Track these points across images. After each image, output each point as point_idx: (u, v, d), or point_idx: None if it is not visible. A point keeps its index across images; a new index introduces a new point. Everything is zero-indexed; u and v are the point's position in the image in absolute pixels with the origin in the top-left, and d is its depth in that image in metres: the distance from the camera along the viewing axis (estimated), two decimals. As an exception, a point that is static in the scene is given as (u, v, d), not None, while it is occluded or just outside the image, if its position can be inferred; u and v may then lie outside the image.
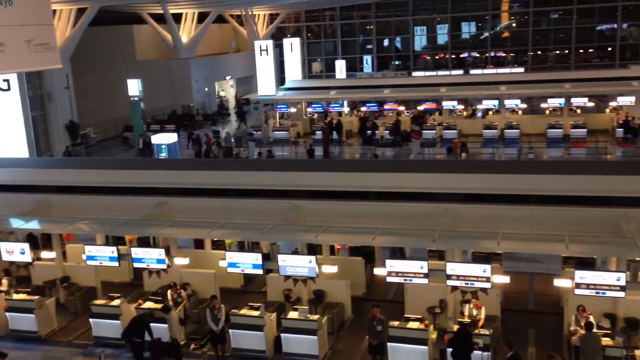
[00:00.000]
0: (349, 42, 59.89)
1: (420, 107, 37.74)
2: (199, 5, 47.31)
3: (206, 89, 49.77)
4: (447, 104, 36.45)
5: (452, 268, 12.53)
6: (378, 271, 13.86)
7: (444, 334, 12.83)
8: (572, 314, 12.74)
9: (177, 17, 47.48)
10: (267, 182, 15.51)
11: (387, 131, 34.65)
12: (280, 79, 44.48)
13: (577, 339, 11.84)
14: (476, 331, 12.37)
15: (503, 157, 29.77)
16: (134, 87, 36.53)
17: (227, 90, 55.07)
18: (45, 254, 15.88)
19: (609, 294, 11.73)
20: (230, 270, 13.94)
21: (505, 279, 13.07)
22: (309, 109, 40.12)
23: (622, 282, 11.56)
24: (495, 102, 35.50)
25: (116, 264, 14.75)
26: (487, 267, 12.43)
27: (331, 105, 38.69)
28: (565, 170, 15.27)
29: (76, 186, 16.69)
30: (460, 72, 53.03)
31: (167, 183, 16.13)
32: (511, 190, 13.91)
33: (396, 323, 12.94)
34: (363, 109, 39.22)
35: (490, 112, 37.28)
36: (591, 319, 12.16)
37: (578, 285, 11.81)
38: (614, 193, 13.31)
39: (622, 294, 11.70)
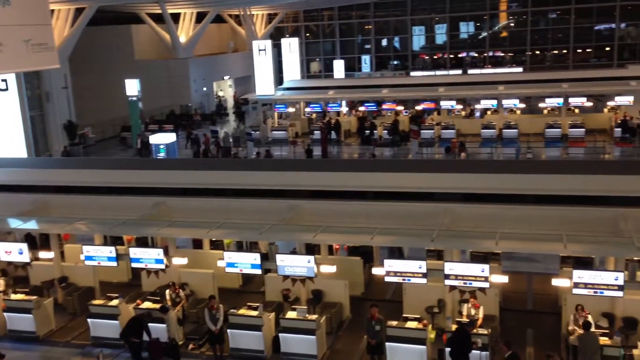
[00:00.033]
0: (347, 42, 59.91)
1: (419, 107, 37.74)
2: (197, 5, 47.29)
3: (204, 89, 49.75)
4: (445, 104, 36.47)
5: (450, 268, 12.54)
6: (376, 271, 13.85)
7: (442, 333, 12.84)
8: (570, 313, 12.76)
9: (176, 17, 47.45)
10: (265, 182, 15.51)
11: (386, 131, 34.65)
12: (279, 78, 44.49)
13: (575, 338, 11.85)
14: (474, 331, 12.39)
15: (501, 156, 29.78)
16: (132, 87, 36.51)
17: (226, 90, 55.05)
18: (43, 254, 15.87)
19: (607, 293, 11.75)
20: (228, 270, 13.94)
21: (503, 279, 13.08)
22: (308, 109, 40.11)
23: (620, 282, 11.57)
24: (494, 102, 35.56)
25: (114, 264, 14.74)
26: (486, 266, 12.44)
27: (329, 105, 38.70)
28: (564, 170, 15.30)
29: (74, 186, 16.68)
30: (459, 71, 53.04)
31: (166, 183, 16.12)
32: (509, 190, 13.93)
33: (395, 323, 12.94)
34: (361, 108, 39.23)
35: (489, 112, 37.29)
36: (589, 318, 12.17)
37: (576, 285, 11.83)
38: (612, 193, 13.33)
39: (620, 294, 11.72)
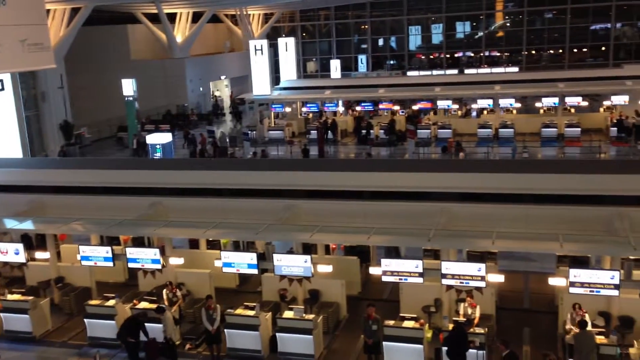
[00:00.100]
0: (343, 42, 59.92)
1: (415, 107, 37.78)
2: (194, 5, 47.24)
3: (201, 89, 49.70)
4: (441, 104, 36.50)
5: (447, 267, 12.55)
6: (373, 270, 13.87)
7: (439, 333, 12.85)
8: (566, 312, 12.80)
9: (172, 17, 47.39)
10: (262, 182, 15.51)
11: (382, 131, 34.68)
12: (275, 78, 44.48)
13: (571, 337, 11.87)
14: (471, 330, 12.40)
15: (497, 156, 29.83)
16: (129, 87, 36.46)
17: (222, 90, 55.01)
18: (39, 255, 15.85)
19: (603, 292, 11.79)
20: (225, 270, 13.93)
21: (500, 278, 13.11)
22: (304, 109, 40.12)
23: (616, 281, 11.61)
24: (490, 102, 35.60)
25: (111, 264, 14.72)
26: (482, 266, 12.46)
27: (326, 105, 38.70)
28: (560, 169, 15.33)
29: (70, 186, 16.64)
30: (455, 71, 53.12)
31: (162, 183, 16.10)
32: (506, 189, 13.95)
33: (391, 322, 12.96)
34: (358, 108, 39.25)
35: (485, 112, 37.36)
36: (587, 317, 12.20)
37: (572, 284, 11.86)
38: (608, 192, 13.37)
39: (616, 293, 11.75)
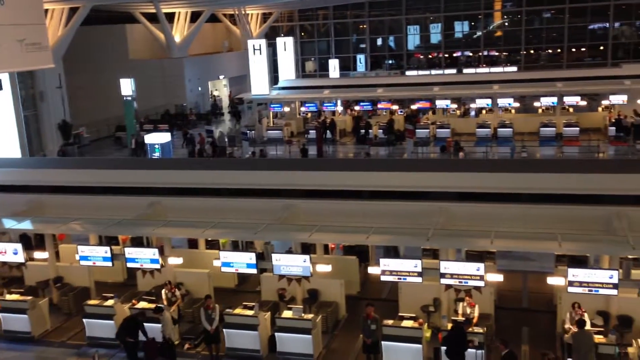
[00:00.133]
0: (342, 42, 59.92)
1: (414, 106, 37.81)
2: (192, 4, 47.22)
3: (199, 89, 49.69)
4: (440, 103, 36.52)
5: (445, 267, 12.55)
6: (372, 270, 13.87)
7: (438, 332, 12.87)
8: (565, 311, 12.81)
9: (170, 17, 47.37)
10: (260, 182, 15.50)
11: (381, 130, 34.70)
12: (274, 78, 44.46)
13: (569, 336, 11.88)
14: (470, 329, 12.41)
15: (496, 155, 29.86)
16: (127, 86, 36.44)
17: (221, 89, 55.00)
18: (38, 254, 15.82)
19: (601, 291, 11.79)
20: (224, 269, 13.92)
21: (498, 277, 13.12)
22: (303, 108, 40.12)
23: (615, 280, 11.62)
24: (489, 101, 35.63)
25: (109, 264, 14.70)
26: (481, 265, 12.47)
27: (325, 105, 38.70)
28: (558, 168, 15.34)
29: (69, 186, 16.62)
30: (454, 71, 53.14)
31: (161, 183, 16.09)
32: (504, 188, 13.96)
33: (390, 322, 12.96)
34: (357, 108, 39.27)
35: (484, 111, 37.38)
36: (586, 316, 12.22)
37: (571, 283, 11.87)
38: (607, 191, 13.37)
39: (614, 292, 11.77)
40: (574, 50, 54.48)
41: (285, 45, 44.78)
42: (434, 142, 33.20)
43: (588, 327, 12.13)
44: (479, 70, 52.15)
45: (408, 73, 52.77)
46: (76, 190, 16.48)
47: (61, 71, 35.93)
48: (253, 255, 13.66)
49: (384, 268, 12.86)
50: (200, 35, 51.63)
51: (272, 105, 38.92)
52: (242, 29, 54.66)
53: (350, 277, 15.76)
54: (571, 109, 35.79)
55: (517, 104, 36.40)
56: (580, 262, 14.12)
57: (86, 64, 44.28)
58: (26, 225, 15.49)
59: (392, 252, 15.54)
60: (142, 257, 14.31)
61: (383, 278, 13.01)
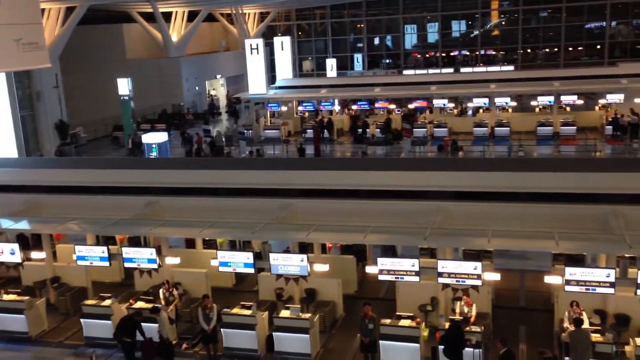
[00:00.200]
0: (339, 41, 59.92)
1: (411, 106, 37.84)
2: (189, 3, 47.17)
3: (197, 88, 49.65)
4: (437, 102, 36.55)
5: (443, 266, 12.56)
6: (370, 269, 13.88)
7: (435, 331, 12.87)
8: (562, 310, 12.83)
9: (167, 16, 47.32)
10: (258, 181, 15.50)
11: (378, 129, 34.73)
12: (271, 77, 44.45)
13: (566, 335, 11.90)
14: (467, 328, 12.42)
15: (493, 154, 29.89)
16: (124, 86, 36.39)
17: (218, 89, 54.96)
18: (35, 254, 15.79)
19: (598, 290, 11.81)
20: (221, 269, 13.91)
21: (496, 276, 13.13)
22: (300, 108, 40.13)
23: (612, 279, 11.64)
24: (486, 100, 35.67)
25: (107, 264, 14.67)
26: (478, 264, 12.47)
27: (322, 104, 38.71)
28: (555, 167, 15.36)
29: (66, 186, 16.60)
30: (451, 70, 53.16)
31: (158, 182, 16.08)
32: (501, 187, 13.97)
33: (388, 321, 12.97)
34: (354, 107, 39.28)
35: (481, 110, 37.45)
36: (584, 315, 12.24)
37: (568, 282, 11.88)
38: (604, 190, 13.40)
39: (611, 291, 11.78)
40: (571, 49, 54.57)
41: (283, 45, 44.76)
42: (432, 141, 33.24)
43: (586, 325, 12.14)
44: (476, 69, 52.21)
45: (405, 72, 52.80)
46: (73, 190, 16.46)
47: (58, 71, 35.88)
48: (250, 254, 13.66)
49: (382, 267, 12.87)
50: (198, 35, 51.60)
51: (269, 105, 38.91)
52: (239, 28, 54.62)
53: (348, 276, 15.76)
54: (568, 108, 35.84)
55: (514, 103, 36.45)
56: (577, 260, 14.12)
57: (83, 63, 44.22)
58: (23, 225, 15.47)
59: (390, 252, 15.54)
60: (140, 257, 14.29)
61: (380, 277, 13.02)
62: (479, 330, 12.51)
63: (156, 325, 13.35)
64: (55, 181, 16.88)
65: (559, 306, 13.13)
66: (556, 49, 54.89)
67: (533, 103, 36.33)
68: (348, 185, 14.88)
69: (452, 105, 37.88)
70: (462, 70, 52.42)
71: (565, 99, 34.37)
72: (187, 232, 15.33)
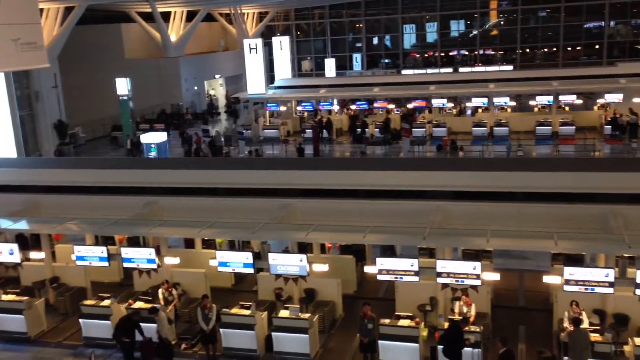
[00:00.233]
0: (338, 41, 59.91)
1: (410, 105, 37.84)
2: (188, 3, 47.14)
3: (195, 88, 49.62)
4: (436, 102, 36.56)
5: (442, 265, 12.56)
6: (369, 269, 13.87)
7: (434, 331, 12.87)
8: (561, 310, 12.84)
9: (166, 16, 47.28)
10: (257, 181, 15.49)
11: (377, 129, 34.73)
12: (270, 77, 44.44)
13: (565, 335, 11.91)
14: (467, 328, 12.43)
15: (492, 154, 29.90)
16: (123, 86, 36.36)
17: (217, 89, 54.93)
18: (34, 255, 15.78)
19: (597, 290, 11.82)
20: (220, 269, 13.91)
21: (495, 276, 13.13)
22: (299, 108, 40.11)
23: (611, 279, 11.65)
24: (484, 100, 35.71)
25: (106, 264, 14.67)
26: (477, 264, 12.48)
27: (321, 104, 38.71)
28: (554, 167, 15.37)
29: (65, 186, 16.58)
30: (450, 70, 53.19)
31: (157, 182, 16.07)
32: (501, 187, 13.98)
33: (387, 321, 12.97)
34: (353, 107, 39.26)
35: (480, 110, 37.45)
36: (584, 315, 12.25)
37: (567, 282, 11.89)
38: (602, 190, 13.40)
39: (610, 290, 11.79)
40: (569, 49, 54.61)
41: (282, 45, 44.78)
42: (430, 141, 33.25)
43: (586, 325, 12.16)
44: (475, 69, 52.26)
45: (404, 72, 52.82)
46: (72, 190, 16.44)
47: (57, 71, 35.84)
48: (250, 254, 13.65)
49: (381, 267, 12.87)
50: (196, 35, 51.57)
51: (268, 105, 38.90)
52: (238, 28, 54.59)
53: (347, 276, 15.76)
54: (567, 108, 35.84)
55: (513, 103, 36.45)
56: (576, 260, 14.14)
57: (82, 63, 44.19)
58: (22, 225, 15.45)
59: (389, 251, 15.54)
60: (139, 257, 14.29)
61: (380, 277, 13.02)
62: (478, 330, 12.51)
63: (155, 325, 13.34)
64: (54, 181, 16.86)
65: (558, 306, 13.14)
66: (555, 49, 54.92)
67: (532, 103, 36.33)
68: (347, 185, 14.87)
69: (451, 105, 37.88)
70: (461, 70, 52.46)
71: (564, 98, 34.37)
72: (186, 232, 15.32)
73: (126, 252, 14.39)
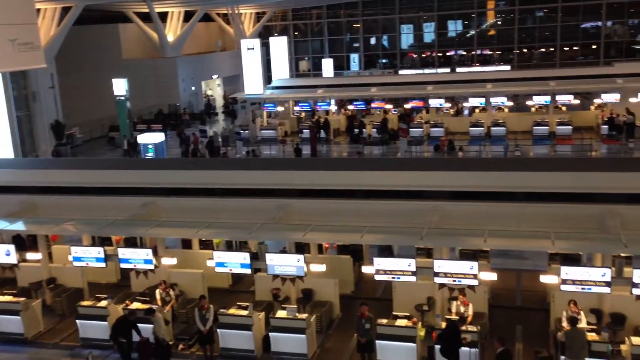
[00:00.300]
0: (336, 41, 59.92)
1: (407, 105, 37.84)
2: (185, 3, 47.11)
3: (193, 88, 49.59)
4: (434, 102, 36.58)
5: (439, 265, 12.58)
6: (366, 269, 13.87)
7: (432, 331, 12.87)
8: (558, 309, 12.86)
9: (163, 16, 47.24)
10: (255, 181, 15.48)
11: (375, 129, 34.73)
12: (267, 77, 44.43)
13: (562, 334, 11.93)
14: (464, 328, 12.43)
15: (490, 154, 29.92)
16: (120, 86, 36.30)
17: (214, 89, 54.90)
18: (31, 255, 15.75)
19: (594, 289, 11.83)
20: (218, 269, 13.91)
21: (492, 276, 13.14)
22: (297, 108, 40.09)
23: (608, 278, 11.66)
24: (482, 100, 35.73)
25: (103, 264, 14.65)
26: (475, 264, 12.49)
27: (318, 104, 38.70)
28: (551, 167, 15.39)
29: (62, 187, 16.55)
30: (447, 70, 53.26)
31: (154, 183, 16.04)
32: (498, 187, 13.98)
33: (384, 321, 12.98)
34: (350, 107, 39.26)
35: (477, 110, 37.48)
36: (582, 314, 12.27)
37: (564, 282, 11.90)
38: (599, 190, 13.41)
39: (607, 290, 11.81)
40: (566, 49, 54.68)
41: (279, 45, 44.76)
42: (428, 141, 33.25)
43: (583, 324, 12.18)
44: (472, 69, 52.30)
45: (401, 72, 52.87)
46: (69, 191, 16.40)
47: (54, 71, 35.78)
48: (247, 255, 13.65)
49: (378, 267, 12.87)
50: (194, 35, 51.53)
51: (265, 105, 38.88)
52: (235, 28, 54.57)
53: (345, 276, 15.76)
54: (564, 108, 35.89)
55: (510, 103, 36.49)
56: (573, 260, 14.17)
57: (79, 63, 44.13)
58: (19, 226, 15.41)
59: (386, 251, 15.55)
60: (136, 257, 14.26)
61: (377, 277, 13.03)
62: (475, 329, 12.52)
63: (151, 325, 13.32)
64: (51, 182, 16.83)
65: (555, 305, 13.16)
66: (552, 49, 54.98)
67: (529, 103, 36.37)
68: (345, 186, 14.87)
69: (448, 105, 37.91)
70: (458, 70, 52.52)
71: (561, 98, 34.42)
72: (183, 232, 15.31)
73: (123, 252, 14.36)
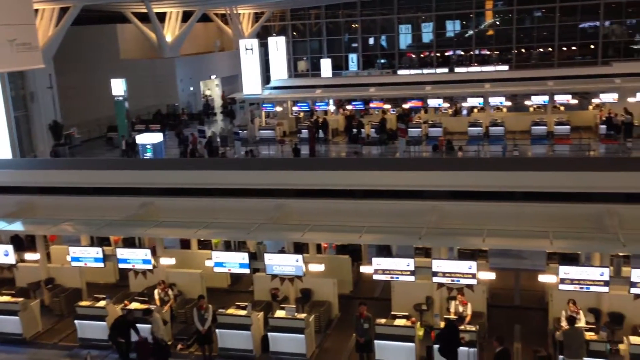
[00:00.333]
0: (334, 41, 59.93)
1: (406, 105, 37.87)
2: (183, 4, 47.09)
3: (191, 88, 49.56)
4: (432, 102, 36.59)
5: (438, 265, 12.58)
6: (365, 269, 13.89)
7: (430, 331, 12.88)
8: (556, 309, 12.87)
9: (161, 16, 47.21)
10: (253, 181, 15.48)
11: (373, 129, 34.73)
12: (266, 77, 44.42)
13: (560, 334, 11.94)
14: (462, 327, 12.45)
15: (488, 154, 29.95)
16: (118, 86, 36.27)
17: (213, 89, 54.87)
18: (29, 256, 15.73)
19: (592, 289, 11.85)
20: (216, 269, 13.90)
21: (491, 276, 13.16)
22: (295, 108, 40.08)
23: (606, 277, 11.69)
24: (480, 100, 35.74)
25: (101, 265, 14.64)
26: (473, 263, 12.50)
27: (317, 104, 38.70)
28: (550, 167, 15.40)
29: (60, 187, 16.54)
30: (445, 70, 53.25)
31: (153, 183, 16.03)
32: (496, 187, 14.00)
33: (383, 320, 12.98)
34: (349, 107, 39.28)
35: (475, 110, 37.50)
36: (581, 314, 12.28)
37: (562, 281, 11.92)
38: (597, 189, 13.43)
39: (605, 289, 11.83)
40: (564, 49, 54.74)
41: (277, 45, 44.76)
42: (426, 141, 33.27)
43: (582, 324, 12.19)
44: (471, 69, 52.30)
45: (400, 72, 52.85)
46: (67, 191, 16.39)
47: (52, 71, 35.74)
48: (246, 255, 13.65)
49: (377, 267, 12.88)
50: (192, 35, 51.50)
51: (264, 105, 38.87)
52: (233, 28, 54.56)
53: (343, 276, 15.77)
54: (562, 108, 35.93)
55: (508, 103, 36.53)
56: (571, 259, 14.17)
57: (77, 64, 44.07)
58: (17, 227, 15.40)
59: (385, 251, 15.55)
60: (134, 257, 14.26)
61: (376, 277, 13.03)
62: (474, 329, 12.53)
63: (148, 325, 13.31)
64: (49, 182, 16.81)
65: (553, 305, 13.17)
66: (550, 49, 55.04)
67: (527, 103, 36.42)
68: (343, 185, 14.87)
69: (446, 105, 37.93)
70: (457, 70, 52.51)
71: (559, 98, 34.45)
72: (182, 232, 15.30)
73: (122, 253, 14.36)
